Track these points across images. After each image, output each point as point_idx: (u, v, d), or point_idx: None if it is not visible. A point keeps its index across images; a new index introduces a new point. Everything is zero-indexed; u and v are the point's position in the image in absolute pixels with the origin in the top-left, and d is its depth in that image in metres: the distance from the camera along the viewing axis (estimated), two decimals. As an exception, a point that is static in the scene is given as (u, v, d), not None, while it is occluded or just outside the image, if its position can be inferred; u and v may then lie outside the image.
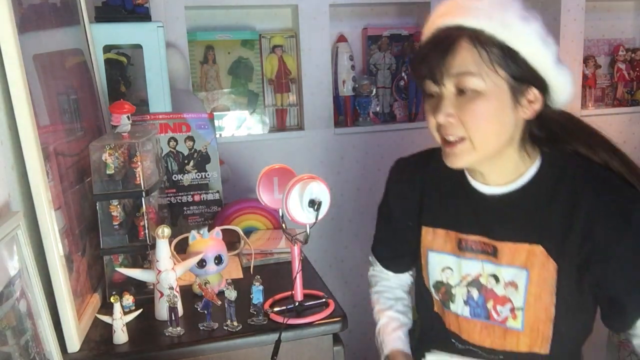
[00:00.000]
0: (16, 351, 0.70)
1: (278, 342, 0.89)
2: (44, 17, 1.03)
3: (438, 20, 0.94)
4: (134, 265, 1.08)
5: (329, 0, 2.19)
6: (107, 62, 1.47)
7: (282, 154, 2.21)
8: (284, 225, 1.03)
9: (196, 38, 2.18)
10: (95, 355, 0.90)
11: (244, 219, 1.43)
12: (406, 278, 1.24)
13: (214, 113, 2.16)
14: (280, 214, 1.02)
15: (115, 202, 1.04)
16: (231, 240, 1.28)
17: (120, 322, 0.91)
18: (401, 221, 1.14)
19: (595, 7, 2.69)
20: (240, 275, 1.19)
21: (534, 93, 0.93)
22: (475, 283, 1.03)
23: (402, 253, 1.18)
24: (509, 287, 0.99)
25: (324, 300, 1.03)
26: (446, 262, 1.07)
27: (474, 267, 1.03)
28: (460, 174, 1.06)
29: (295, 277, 0.99)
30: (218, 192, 1.53)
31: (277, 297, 1.04)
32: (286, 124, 2.31)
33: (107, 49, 1.48)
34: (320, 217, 0.94)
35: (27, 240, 0.80)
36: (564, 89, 0.95)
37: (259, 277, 0.95)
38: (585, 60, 2.66)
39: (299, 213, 0.93)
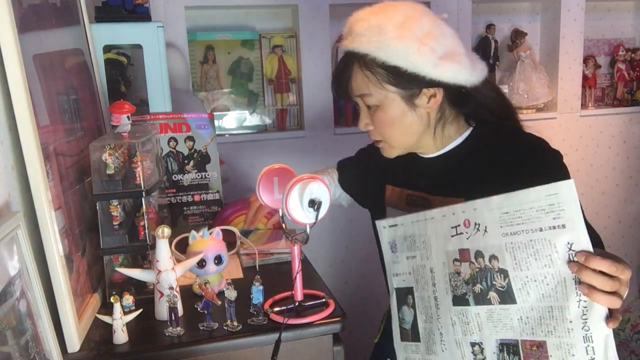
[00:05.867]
0: (16, 351, 0.70)
1: (278, 342, 0.89)
2: (44, 17, 1.03)
3: (340, 45, 1.10)
4: (134, 265, 1.08)
5: (329, 0, 2.19)
6: (107, 62, 1.48)
7: (282, 154, 2.21)
8: (284, 225, 1.03)
9: (196, 38, 2.18)
10: (95, 355, 0.90)
11: (244, 219, 1.43)
12: (339, 194, 1.44)
13: (214, 113, 2.16)
14: (280, 214, 1.02)
15: (115, 202, 1.04)
16: (231, 240, 1.28)
17: (120, 322, 0.91)
18: (366, 174, 1.32)
19: (595, 7, 2.69)
20: (241, 275, 1.19)
21: (429, 91, 1.06)
22: None
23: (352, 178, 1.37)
24: None
25: (324, 300, 1.03)
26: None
27: None
28: None
29: (295, 277, 0.99)
30: (218, 192, 1.53)
31: (277, 297, 1.04)
32: (286, 124, 2.31)
33: (107, 49, 1.48)
34: (320, 217, 0.94)
35: (27, 240, 0.80)
36: (457, 78, 1.04)
37: (259, 277, 0.95)
38: (585, 60, 2.66)
39: (299, 213, 0.93)
